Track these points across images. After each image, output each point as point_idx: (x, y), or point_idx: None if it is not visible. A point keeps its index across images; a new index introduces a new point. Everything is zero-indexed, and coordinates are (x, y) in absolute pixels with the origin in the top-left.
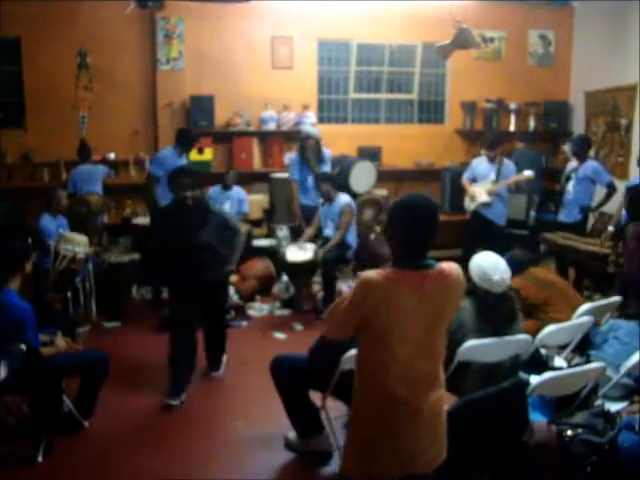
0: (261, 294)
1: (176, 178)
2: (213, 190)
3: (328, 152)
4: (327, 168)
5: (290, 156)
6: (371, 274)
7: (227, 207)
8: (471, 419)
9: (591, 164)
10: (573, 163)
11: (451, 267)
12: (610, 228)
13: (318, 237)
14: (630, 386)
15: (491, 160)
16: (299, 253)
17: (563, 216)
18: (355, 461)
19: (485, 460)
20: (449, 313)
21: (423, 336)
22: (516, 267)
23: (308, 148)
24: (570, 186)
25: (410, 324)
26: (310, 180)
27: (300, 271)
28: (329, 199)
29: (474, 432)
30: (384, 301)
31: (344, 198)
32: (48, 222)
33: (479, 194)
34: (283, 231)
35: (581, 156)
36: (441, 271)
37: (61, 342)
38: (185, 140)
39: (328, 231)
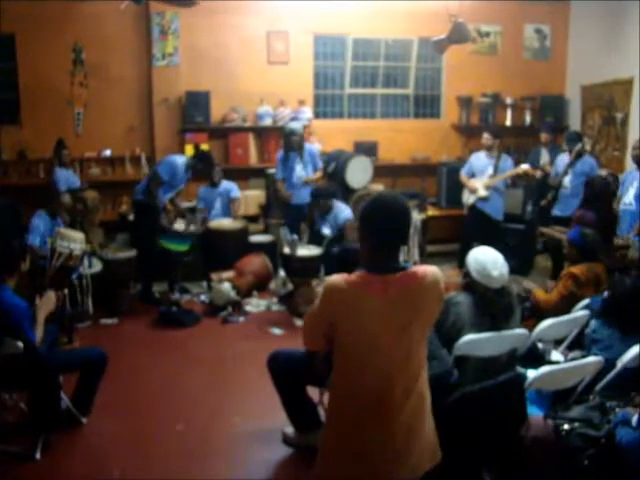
0: (258, 290)
1: None
2: (203, 190)
3: (317, 147)
4: (317, 163)
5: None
6: (335, 279)
7: (218, 205)
8: (468, 413)
9: (588, 160)
10: (565, 158)
11: (426, 270)
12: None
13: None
14: (624, 384)
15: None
16: (305, 249)
17: (558, 210)
18: (328, 473)
19: (483, 454)
20: (424, 317)
21: (395, 343)
22: (585, 247)
23: (293, 144)
24: (567, 181)
25: (378, 330)
26: (295, 178)
27: (306, 268)
28: (328, 211)
29: (472, 426)
30: (348, 306)
31: (345, 212)
32: (42, 220)
33: (478, 188)
34: (285, 231)
35: (573, 151)
36: (412, 274)
37: (51, 296)
38: (202, 163)
39: (326, 231)
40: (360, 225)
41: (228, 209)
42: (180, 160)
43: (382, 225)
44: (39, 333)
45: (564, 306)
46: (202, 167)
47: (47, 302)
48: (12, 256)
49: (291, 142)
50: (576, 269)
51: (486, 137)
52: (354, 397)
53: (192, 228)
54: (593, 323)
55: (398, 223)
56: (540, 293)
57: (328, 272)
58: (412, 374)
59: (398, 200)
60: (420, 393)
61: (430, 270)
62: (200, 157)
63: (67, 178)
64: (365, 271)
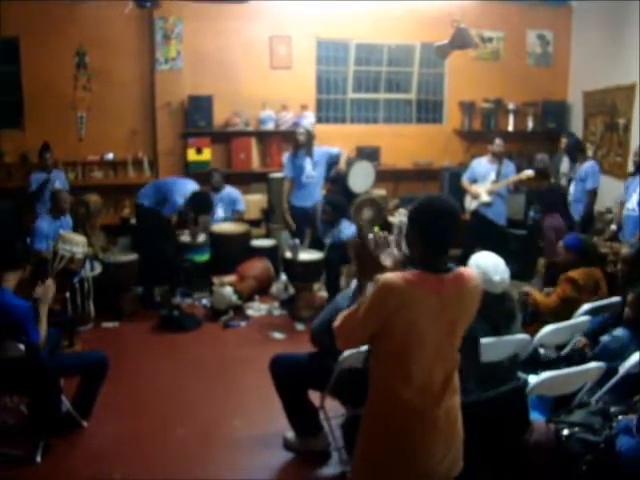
0: (260, 294)
1: None
2: None
3: (323, 150)
4: (320, 168)
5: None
6: (391, 277)
7: (220, 211)
8: (471, 422)
9: (590, 165)
10: (566, 163)
11: (470, 273)
12: (613, 227)
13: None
14: (627, 389)
15: (493, 161)
16: (307, 254)
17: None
18: (366, 473)
19: (484, 460)
20: (466, 319)
21: (441, 341)
22: (587, 251)
23: (297, 137)
24: (571, 187)
25: (429, 328)
26: (303, 178)
27: (308, 272)
28: (330, 222)
29: (473, 434)
30: (404, 304)
31: (349, 229)
32: (46, 222)
33: (480, 194)
34: (286, 235)
35: (576, 158)
36: (460, 275)
37: (50, 285)
38: (197, 206)
39: (327, 240)
40: (412, 227)
41: (230, 215)
42: (180, 200)
43: (435, 225)
44: (43, 328)
45: (563, 310)
46: (197, 209)
47: (46, 292)
48: (12, 255)
49: (295, 135)
50: (575, 273)
51: (498, 143)
52: (398, 399)
53: (201, 239)
54: (624, 337)
55: (450, 223)
56: (539, 296)
57: (329, 277)
58: (449, 370)
59: (447, 201)
60: (456, 389)
61: (473, 273)
62: (196, 200)
63: (37, 182)
64: (420, 270)
